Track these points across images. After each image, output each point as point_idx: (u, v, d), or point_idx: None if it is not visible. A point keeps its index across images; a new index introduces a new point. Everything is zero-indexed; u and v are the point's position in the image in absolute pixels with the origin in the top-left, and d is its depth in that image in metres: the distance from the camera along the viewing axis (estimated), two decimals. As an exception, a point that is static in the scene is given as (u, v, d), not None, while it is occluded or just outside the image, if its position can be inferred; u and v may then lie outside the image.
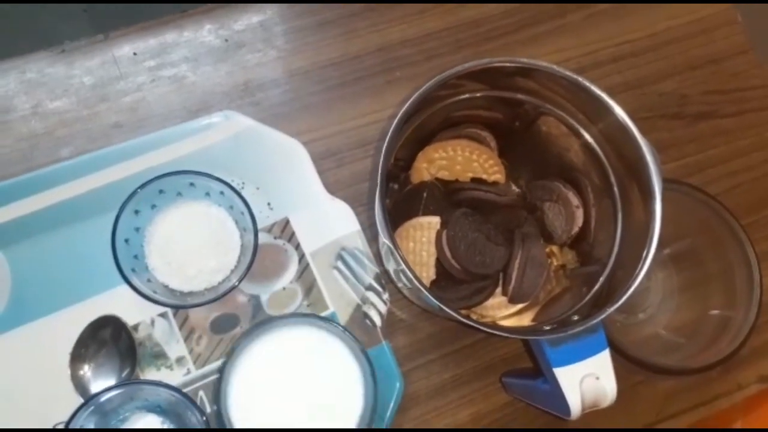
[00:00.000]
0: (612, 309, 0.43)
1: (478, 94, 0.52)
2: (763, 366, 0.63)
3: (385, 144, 0.43)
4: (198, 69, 0.63)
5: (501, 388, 0.59)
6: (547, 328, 0.47)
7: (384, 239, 0.44)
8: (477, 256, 0.51)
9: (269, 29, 0.64)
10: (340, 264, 0.58)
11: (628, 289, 0.44)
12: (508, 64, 0.47)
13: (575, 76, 0.48)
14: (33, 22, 0.77)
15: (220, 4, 0.64)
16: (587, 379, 0.44)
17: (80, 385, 0.53)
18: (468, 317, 0.47)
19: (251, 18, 0.64)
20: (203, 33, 0.63)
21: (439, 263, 0.53)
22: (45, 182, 0.56)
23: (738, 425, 0.63)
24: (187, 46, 0.63)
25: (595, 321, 0.43)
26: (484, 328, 0.44)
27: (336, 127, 0.63)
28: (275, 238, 0.59)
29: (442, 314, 0.44)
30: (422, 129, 0.54)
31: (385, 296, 0.57)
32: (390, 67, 0.65)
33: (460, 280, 0.53)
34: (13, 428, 0.53)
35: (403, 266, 0.42)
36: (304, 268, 0.59)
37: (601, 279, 0.50)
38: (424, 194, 0.54)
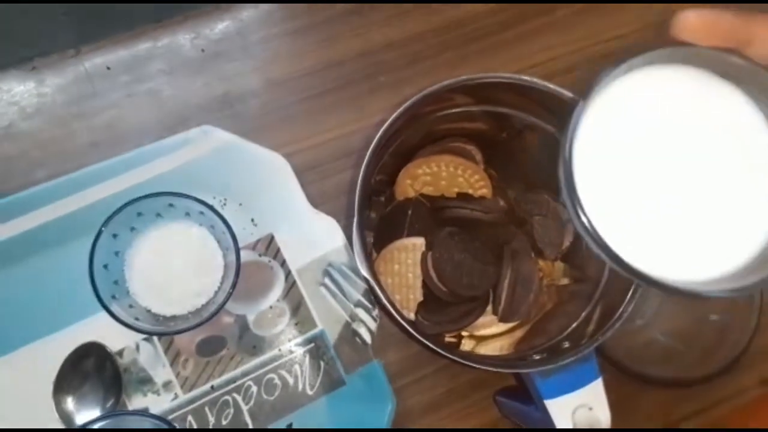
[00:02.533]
0: (603, 338, 0.42)
1: (462, 109, 0.50)
2: (765, 369, 0.62)
3: (361, 174, 0.42)
4: (174, 81, 0.61)
5: (495, 403, 0.58)
6: (537, 357, 0.45)
7: (364, 272, 0.42)
8: (464, 277, 0.50)
9: (247, 37, 0.62)
10: (327, 280, 0.57)
11: (621, 316, 0.43)
12: (492, 80, 0.45)
13: (561, 90, 0.46)
14: (9, 26, 0.74)
15: (194, 12, 0.62)
16: (580, 410, 0.42)
17: (65, 417, 0.52)
18: (458, 337, 0.46)
19: (228, 26, 0.62)
20: (178, 43, 0.61)
21: (426, 285, 0.52)
22: (20, 207, 0.55)
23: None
24: (162, 57, 0.61)
25: (586, 350, 0.42)
26: (474, 364, 0.43)
27: (319, 137, 0.61)
28: (260, 255, 0.58)
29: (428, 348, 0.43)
30: (404, 145, 0.52)
31: (375, 312, 0.56)
32: (373, 72, 0.63)
33: (448, 302, 0.52)
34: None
35: (385, 302, 0.41)
36: (290, 286, 0.57)
37: (594, 298, 0.48)
38: (409, 212, 0.53)
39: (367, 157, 0.43)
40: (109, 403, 0.52)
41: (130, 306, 0.53)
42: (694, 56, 0.30)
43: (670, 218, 0.30)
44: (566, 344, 0.46)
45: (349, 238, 0.57)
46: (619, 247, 0.28)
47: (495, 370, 0.45)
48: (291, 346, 0.57)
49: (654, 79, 0.31)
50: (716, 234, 0.30)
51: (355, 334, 0.56)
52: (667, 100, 0.30)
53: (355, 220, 0.43)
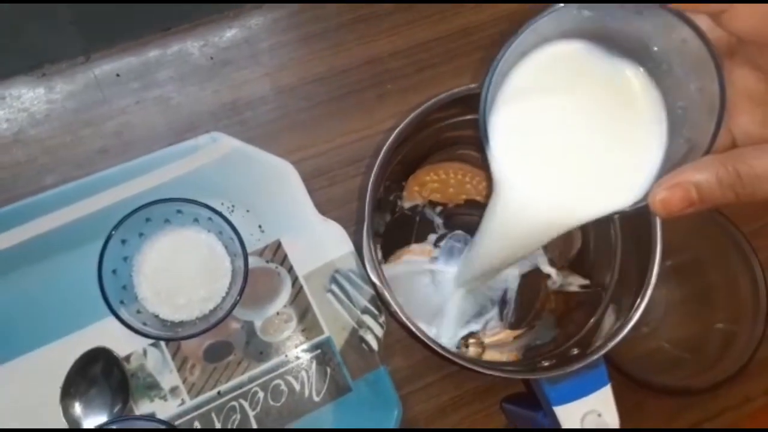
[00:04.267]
0: (612, 344, 0.42)
1: (470, 116, 0.50)
2: (771, 378, 0.62)
3: (371, 181, 0.42)
4: (183, 89, 0.61)
5: (502, 410, 0.58)
6: (546, 364, 0.45)
7: (373, 278, 0.43)
8: (472, 285, 0.50)
9: (255, 45, 0.62)
10: (334, 287, 0.57)
11: (628, 322, 0.43)
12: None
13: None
14: (18, 35, 0.75)
15: (203, 20, 0.62)
16: (589, 417, 0.42)
17: (72, 422, 0.52)
18: (465, 344, 0.46)
19: (236, 34, 0.62)
20: (187, 51, 0.62)
21: (434, 292, 0.52)
22: (28, 213, 0.55)
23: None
24: (171, 65, 0.61)
25: (595, 357, 0.42)
26: (483, 370, 0.43)
27: (326, 144, 0.61)
28: (267, 261, 0.58)
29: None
30: (412, 152, 0.52)
31: (382, 319, 0.56)
32: (380, 80, 0.63)
33: (456, 310, 0.52)
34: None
35: (395, 307, 0.41)
36: (297, 292, 0.57)
37: (602, 305, 0.48)
38: (417, 219, 0.53)
39: (377, 164, 0.43)
40: (116, 408, 0.53)
41: (138, 311, 0.54)
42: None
43: (570, 165, 0.35)
44: (575, 351, 0.46)
45: (356, 244, 0.57)
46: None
47: (504, 375, 0.45)
48: (298, 352, 0.57)
49: (555, 52, 0.36)
50: (603, 179, 0.35)
51: (362, 340, 0.56)
52: (570, 72, 0.36)
53: (366, 225, 0.43)
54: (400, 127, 0.45)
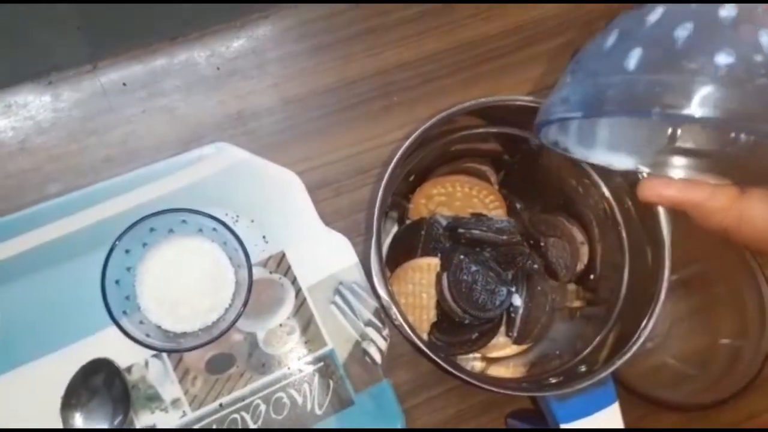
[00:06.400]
0: (621, 362, 0.42)
1: (476, 130, 0.50)
2: (776, 395, 0.61)
3: (380, 194, 0.42)
4: (189, 98, 0.61)
5: (506, 425, 0.58)
6: (554, 381, 0.45)
7: (381, 292, 0.42)
8: (479, 299, 0.50)
9: (262, 55, 0.62)
10: (338, 299, 0.57)
11: (637, 340, 0.42)
12: (508, 102, 0.46)
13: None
14: (25, 40, 0.75)
15: (210, 30, 0.62)
16: (596, 435, 0.42)
17: (72, 433, 0.52)
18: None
19: (243, 44, 0.62)
20: (194, 61, 0.62)
21: (440, 305, 0.51)
22: (32, 221, 0.55)
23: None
24: (177, 74, 0.61)
25: (604, 374, 0.42)
26: (491, 387, 0.42)
27: (332, 155, 0.61)
28: (271, 272, 0.58)
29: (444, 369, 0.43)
30: (419, 165, 0.52)
31: (385, 332, 0.56)
32: (387, 91, 0.63)
33: (461, 323, 0.52)
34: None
35: (401, 321, 0.41)
36: (300, 304, 0.57)
37: (609, 322, 0.48)
38: (423, 232, 0.52)
39: (386, 176, 0.43)
40: (117, 420, 0.52)
41: (141, 322, 0.53)
42: None
43: None
44: (582, 368, 0.46)
45: (360, 256, 0.57)
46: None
47: (512, 393, 0.44)
48: (300, 364, 0.56)
49: None
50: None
51: (365, 353, 0.55)
52: None
53: (374, 238, 0.43)
54: (412, 138, 0.45)
